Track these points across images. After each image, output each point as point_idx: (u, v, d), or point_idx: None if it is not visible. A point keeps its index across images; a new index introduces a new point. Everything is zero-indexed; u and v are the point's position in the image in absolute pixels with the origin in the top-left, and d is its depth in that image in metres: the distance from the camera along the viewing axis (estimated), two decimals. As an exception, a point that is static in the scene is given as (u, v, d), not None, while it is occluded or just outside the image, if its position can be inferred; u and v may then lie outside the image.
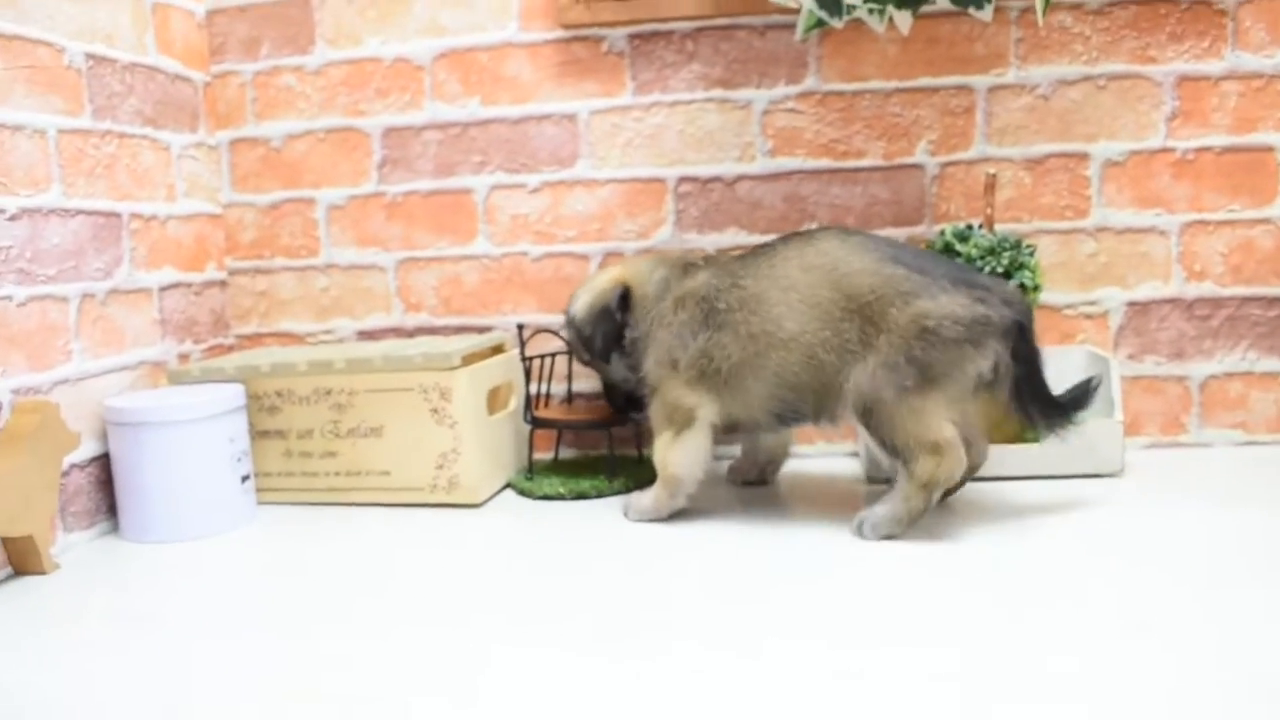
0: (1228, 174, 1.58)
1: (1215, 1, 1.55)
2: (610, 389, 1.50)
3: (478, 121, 1.69)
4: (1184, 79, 1.57)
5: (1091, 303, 1.62)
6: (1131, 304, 1.61)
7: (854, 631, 0.98)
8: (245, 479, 1.45)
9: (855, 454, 1.65)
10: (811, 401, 1.30)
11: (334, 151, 1.73)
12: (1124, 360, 1.61)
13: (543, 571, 1.20)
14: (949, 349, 1.21)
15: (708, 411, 1.33)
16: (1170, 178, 1.59)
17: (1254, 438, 1.62)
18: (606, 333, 1.41)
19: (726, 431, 1.37)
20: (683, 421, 1.33)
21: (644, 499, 1.37)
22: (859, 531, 1.25)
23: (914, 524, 1.24)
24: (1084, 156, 1.60)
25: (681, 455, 1.34)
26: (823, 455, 1.66)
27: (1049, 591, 1.06)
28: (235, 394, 1.44)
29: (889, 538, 1.23)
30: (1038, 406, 1.26)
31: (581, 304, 1.43)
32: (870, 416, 1.23)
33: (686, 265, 1.39)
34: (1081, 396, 1.28)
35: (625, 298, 1.40)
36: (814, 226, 1.33)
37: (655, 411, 1.36)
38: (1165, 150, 1.59)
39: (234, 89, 1.75)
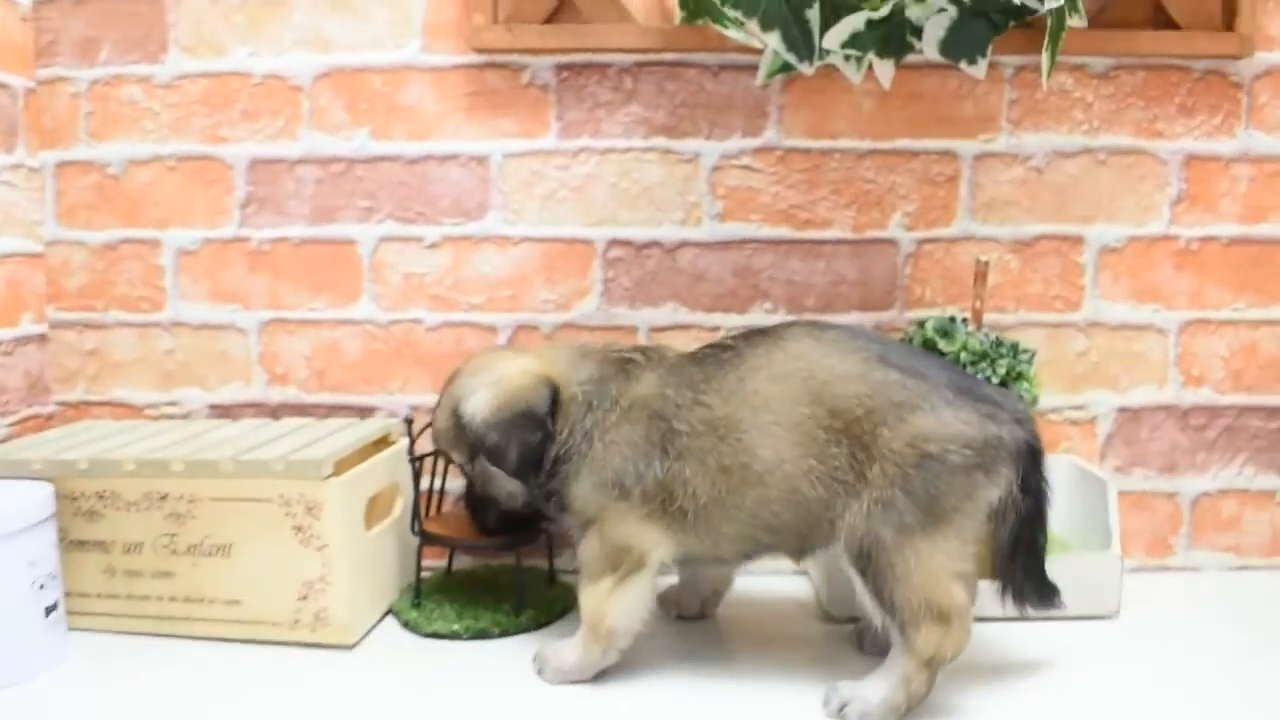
0: (1234, 267, 1.39)
1: (1230, 73, 1.35)
2: (480, 502, 1.21)
3: (366, 158, 1.39)
4: (1192, 158, 1.37)
5: (1079, 407, 1.40)
6: (1123, 410, 1.41)
7: None
8: (51, 610, 1.13)
9: (804, 573, 1.41)
10: (794, 542, 1.05)
11: (186, 184, 1.41)
12: (1111, 473, 1.41)
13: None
14: (956, 478, 0.97)
15: (662, 552, 1.07)
16: (1172, 268, 1.39)
17: (1246, 561, 1.43)
18: (526, 445, 1.10)
19: (676, 565, 1.12)
20: (631, 566, 1.06)
21: (566, 655, 1.09)
22: (839, 715, 0.99)
23: (913, 712, 1.00)
24: (1078, 240, 1.38)
25: (625, 605, 1.07)
26: (765, 574, 1.41)
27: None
28: (40, 500, 1.12)
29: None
30: (1025, 564, 1.04)
31: (485, 401, 1.11)
32: (867, 563, 0.99)
33: (623, 361, 1.12)
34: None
35: (554, 401, 1.11)
36: (780, 321, 1.08)
37: (591, 551, 1.08)
38: (1168, 238, 1.38)
39: (64, 100, 1.41)
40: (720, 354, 1.08)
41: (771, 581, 1.38)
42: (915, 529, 0.97)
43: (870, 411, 0.99)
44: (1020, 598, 1.06)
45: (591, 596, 1.08)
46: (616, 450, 1.07)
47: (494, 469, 1.14)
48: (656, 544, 1.06)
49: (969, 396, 1.00)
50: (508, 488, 1.16)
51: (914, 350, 1.07)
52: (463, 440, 1.15)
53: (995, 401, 1.01)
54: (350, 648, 1.18)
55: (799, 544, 1.06)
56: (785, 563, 1.38)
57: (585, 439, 1.09)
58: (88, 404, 1.45)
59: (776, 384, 1.03)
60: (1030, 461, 1.01)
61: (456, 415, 1.14)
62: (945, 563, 0.98)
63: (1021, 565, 1.04)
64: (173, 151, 1.41)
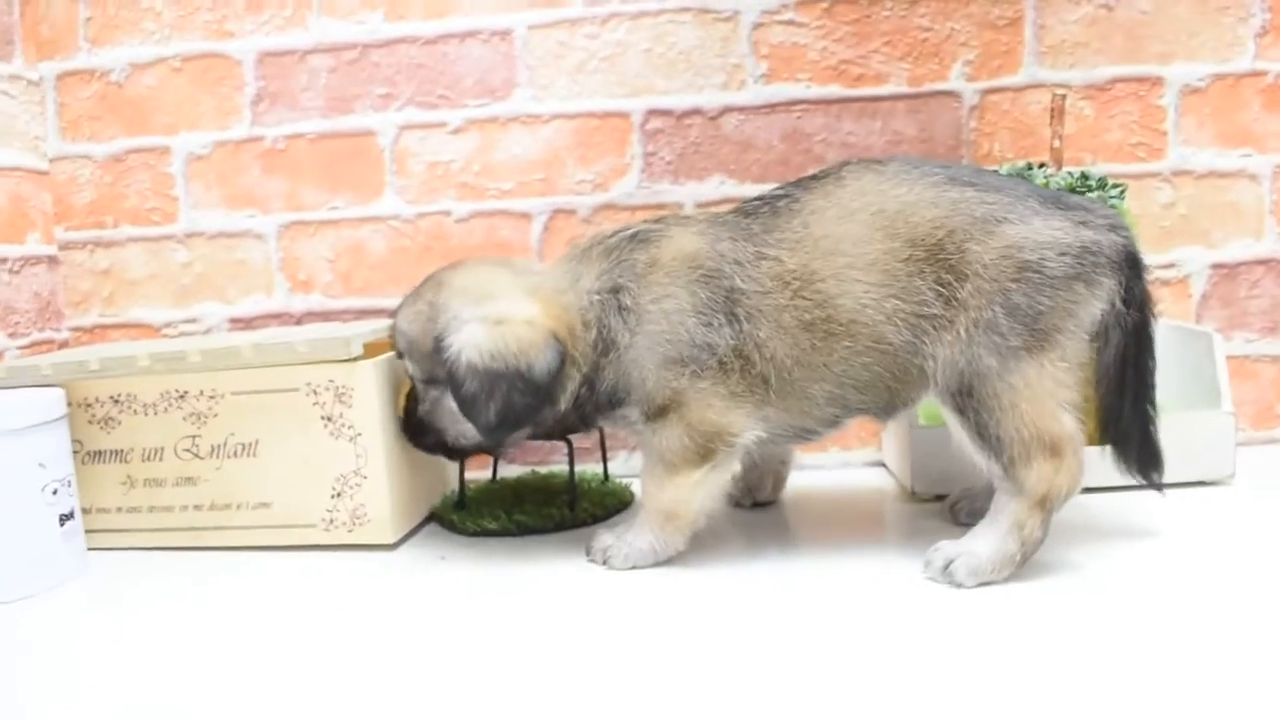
0: (1330, 103, 1.27)
1: (1314, -117, 1.24)
2: (420, 422, 1.07)
3: (381, 42, 1.30)
4: (1277, -17, 1.25)
5: (1169, 265, 1.29)
6: (1217, 266, 1.29)
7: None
8: (67, 519, 1.04)
9: (880, 463, 1.30)
10: (884, 398, 0.94)
11: (194, 85, 1.33)
12: (1206, 337, 1.29)
13: (483, 642, 0.82)
14: (1058, 290, 0.87)
15: (751, 436, 0.96)
16: (1261, 107, 1.27)
17: (1359, 431, 1.31)
18: (511, 407, 0.95)
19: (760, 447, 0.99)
20: (723, 456, 0.96)
21: (635, 541, 0.98)
22: (946, 575, 0.88)
23: (1028, 560, 0.88)
24: (1157, 81, 1.26)
25: (711, 493, 0.97)
26: (835, 467, 1.30)
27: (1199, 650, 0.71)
28: (50, 401, 1.03)
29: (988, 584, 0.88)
30: (1135, 392, 0.93)
31: (478, 342, 0.95)
32: (969, 398, 0.88)
33: (630, 237, 0.99)
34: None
35: (560, 363, 0.96)
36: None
37: (677, 443, 0.96)
38: (1255, 74, 1.26)
39: (61, 7, 1.33)
40: (775, 203, 0.97)
41: (843, 474, 1.28)
42: (1020, 351, 0.87)
43: (952, 232, 0.89)
44: (1125, 445, 0.95)
45: (677, 489, 0.97)
46: (673, 320, 0.94)
47: (453, 406, 0.99)
48: (747, 427, 0.95)
49: (1056, 205, 0.90)
50: (461, 428, 1.02)
51: (986, 170, 0.96)
52: (430, 363, 1.01)
53: (1085, 208, 0.91)
54: (391, 548, 1.08)
55: (889, 399, 0.95)
56: (855, 454, 1.29)
57: (626, 327, 0.96)
58: (103, 327, 1.37)
59: (844, 223, 0.92)
60: (1131, 270, 0.90)
61: (437, 341, 0.98)
62: (1053, 389, 0.88)
63: (1132, 396, 0.93)
64: (177, 51, 1.32)
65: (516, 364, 0.94)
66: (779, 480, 1.16)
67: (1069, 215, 0.89)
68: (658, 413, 0.97)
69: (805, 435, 0.99)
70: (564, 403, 0.99)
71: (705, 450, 0.96)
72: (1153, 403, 0.94)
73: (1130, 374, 0.92)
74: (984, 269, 0.87)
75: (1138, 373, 0.92)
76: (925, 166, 0.94)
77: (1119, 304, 0.89)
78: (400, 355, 1.05)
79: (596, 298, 0.97)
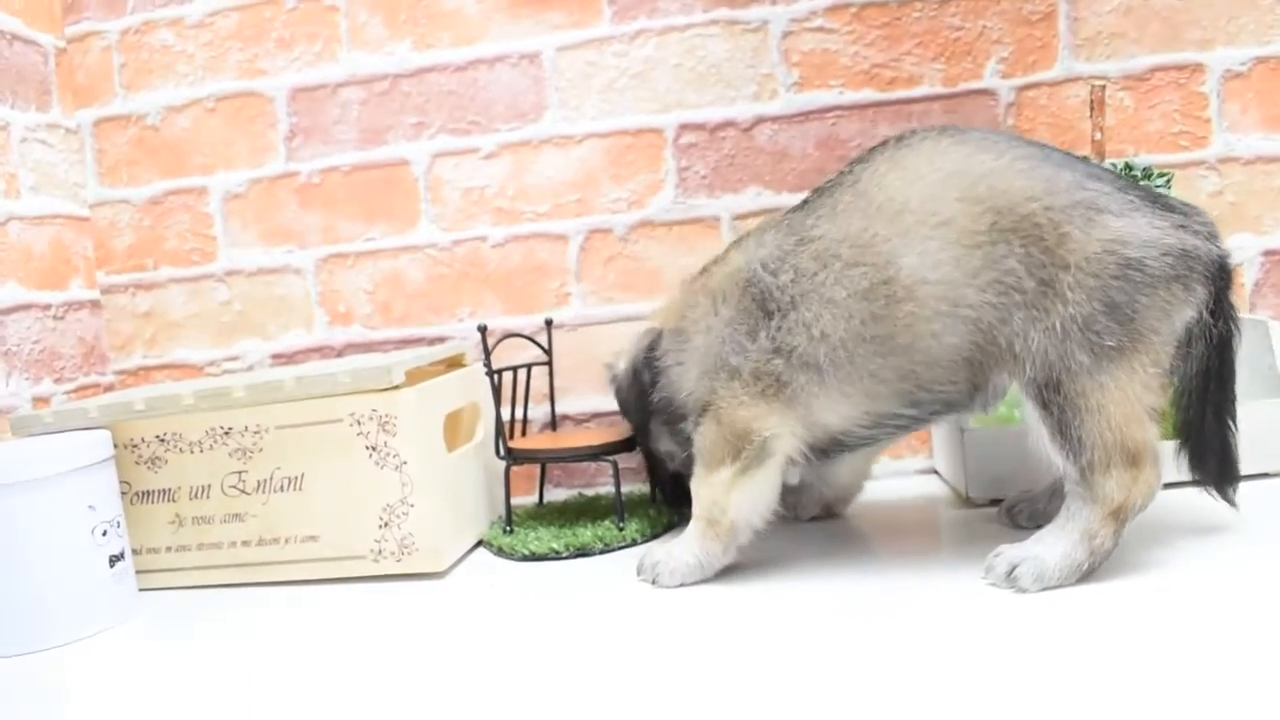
0: (1378, 80, 1.24)
1: None
2: (656, 469, 1.17)
3: (411, 72, 1.30)
4: (1316, -39, 1.23)
5: (1219, 255, 1.25)
6: (1269, 253, 1.25)
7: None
8: (117, 560, 1.04)
9: (933, 470, 1.27)
10: (965, 378, 0.89)
11: (227, 124, 1.34)
12: (1264, 327, 1.26)
13: (538, 666, 0.80)
14: (1158, 290, 0.83)
15: (789, 443, 0.93)
16: (1307, 89, 1.24)
17: None
18: (638, 400, 1.08)
19: (808, 458, 0.96)
20: (754, 455, 0.93)
21: (682, 555, 0.96)
22: (1009, 580, 0.85)
23: (1095, 571, 0.85)
24: (1198, 68, 1.24)
25: (748, 497, 0.94)
26: (887, 476, 1.28)
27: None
28: (97, 443, 1.04)
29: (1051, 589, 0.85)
30: (1216, 406, 0.89)
31: (626, 359, 1.10)
32: (1055, 393, 0.84)
33: (708, 264, 1.03)
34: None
35: (653, 351, 1.05)
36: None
37: (709, 437, 0.95)
38: (1298, 54, 1.24)
39: (96, 55, 1.35)
40: (834, 180, 0.94)
41: (895, 483, 1.25)
42: (1114, 351, 0.83)
43: (1050, 209, 0.84)
44: (1203, 456, 0.91)
45: (710, 487, 0.95)
46: (715, 334, 0.96)
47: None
48: (782, 431, 0.93)
49: (1155, 204, 0.86)
50: (663, 446, 1.09)
51: (1078, 157, 0.92)
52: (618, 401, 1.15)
53: (1184, 212, 0.87)
54: (441, 575, 1.07)
55: (970, 380, 0.89)
56: (907, 462, 1.27)
57: (684, 344, 0.99)
58: (147, 369, 1.37)
59: (915, 185, 0.88)
60: (1222, 283, 0.86)
61: (613, 377, 1.14)
62: (1141, 393, 0.84)
63: (1214, 409, 0.89)
64: (210, 92, 1.34)
65: (632, 370, 1.08)
66: (837, 503, 1.14)
67: (1170, 217, 0.85)
68: (699, 413, 0.97)
69: (863, 437, 0.94)
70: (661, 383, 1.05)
71: (735, 448, 0.94)
72: (1234, 417, 0.90)
73: (1213, 386, 0.88)
74: (1086, 261, 0.83)
75: (1220, 386, 0.89)
76: (1014, 139, 0.90)
77: (1206, 314, 0.85)
78: None
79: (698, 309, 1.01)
